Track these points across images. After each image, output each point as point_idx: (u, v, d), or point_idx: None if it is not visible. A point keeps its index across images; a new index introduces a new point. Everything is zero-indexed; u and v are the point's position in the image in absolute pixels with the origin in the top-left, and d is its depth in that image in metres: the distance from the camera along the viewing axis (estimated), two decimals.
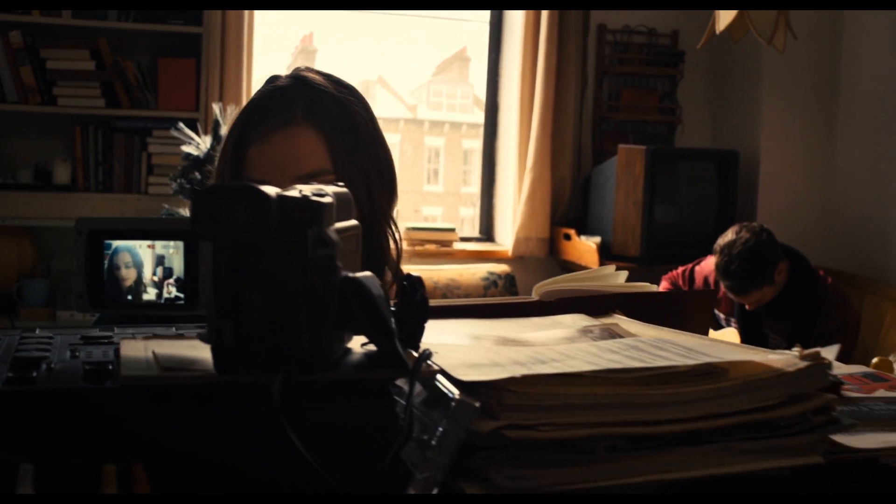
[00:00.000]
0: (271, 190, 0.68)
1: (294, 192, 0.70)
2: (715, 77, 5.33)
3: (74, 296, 0.82)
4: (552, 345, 0.93)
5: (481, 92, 5.49)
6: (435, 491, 0.73)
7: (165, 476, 0.68)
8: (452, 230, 5.14)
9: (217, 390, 0.70)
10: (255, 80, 4.51)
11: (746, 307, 3.80)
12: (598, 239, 4.76)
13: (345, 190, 0.83)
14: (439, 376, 0.79)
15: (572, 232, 4.90)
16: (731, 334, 3.85)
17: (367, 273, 0.75)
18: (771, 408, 0.81)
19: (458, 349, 0.86)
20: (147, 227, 0.82)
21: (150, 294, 0.82)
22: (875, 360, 1.58)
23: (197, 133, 3.79)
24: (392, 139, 14.47)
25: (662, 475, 0.77)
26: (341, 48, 14.48)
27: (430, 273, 4.75)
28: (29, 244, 4.11)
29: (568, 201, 5.09)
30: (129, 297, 0.82)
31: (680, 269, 4.22)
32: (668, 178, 4.79)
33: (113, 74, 4.08)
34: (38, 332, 0.85)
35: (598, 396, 0.76)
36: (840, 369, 1.20)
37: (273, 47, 12.59)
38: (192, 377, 0.70)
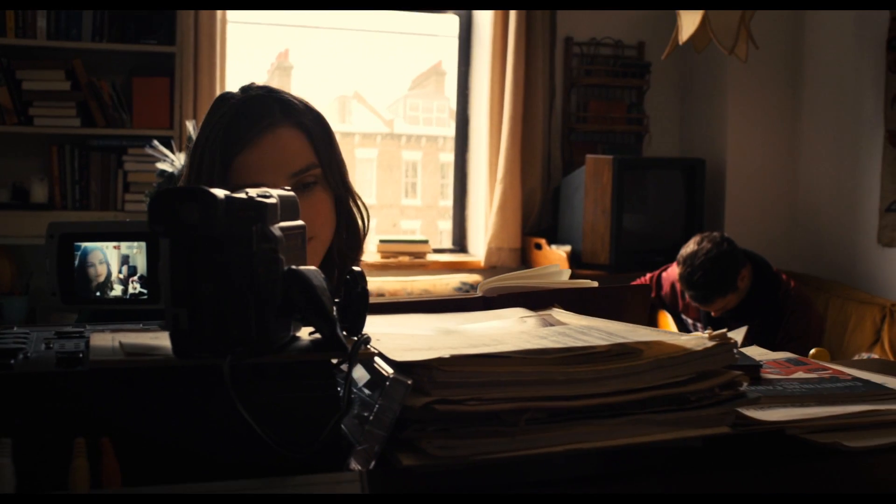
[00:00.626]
0: (219, 192, 0.76)
1: (241, 194, 0.78)
2: (681, 87, 5.45)
3: (48, 293, 0.90)
4: (487, 333, 1.02)
5: None
6: (373, 461, 0.81)
7: (130, 449, 0.76)
8: (425, 242, 5.22)
9: (175, 372, 0.78)
10: None
11: (712, 314, 3.90)
12: (568, 248, 4.85)
13: (291, 193, 0.92)
14: (378, 360, 0.88)
15: (543, 241, 5.00)
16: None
17: (311, 267, 0.83)
18: (681, 383, 0.90)
19: (399, 337, 0.95)
20: (113, 230, 0.90)
21: (117, 290, 0.90)
22: (813, 350, 1.68)
23: (171, 150, 3.86)
24: (369, 154, 14.58)
25: (580, 444, 0.86)
26: (317, 65, 14.57)
27: (404, 284, 4.84)
28: (7, 262, 4.17)
29: (538, 211, 5.19)
30: (98, 294, 0.90)
31: (647, 276, 4.32)
32: (636, 186, 4.89)
33: (88, 94, 4.15)
34: (15, 329, 0.93)
35: (520, 374, 0.85)
36: (768, 355, 1.29)
37: (248, 64, 12.68)
38: (153, 361, 0.78)
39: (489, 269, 5.11)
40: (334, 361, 0.85)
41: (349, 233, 1.70)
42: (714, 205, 5.14)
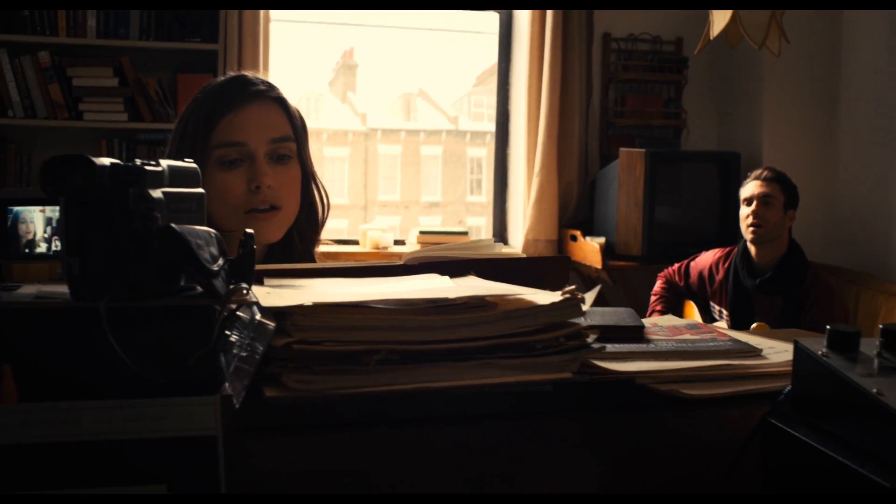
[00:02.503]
0: (102, 160, 0.90)
1: (127, 162, 0.92)
2: (719, 82, 5.49)
3: None
4: (378, 290, 1.14)
5: None
6: (243, 392, 0.94)
7: (31, 376, 0.90)
8: (465, 233, 5.35)
9: (69, 311, 0.92)
10: None
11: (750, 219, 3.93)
12: (601, 239, 4.93)
13: (193, 166, 1.05)
14: (256, 309, 1.01)
15: (578, 233, 5.08)
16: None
17: (198, 227, 0.97)
18: (528, 333, 1.01)
19: (285, 291, 1.08)
20: (39, 196, 1.04)
21: (42, 247, 1.05)
22: (754, 325, 1.76)
23: None
24: (434, 151, 14.73)
25: (428, 384, 0.98)
26: (382, 62, 14.78)
27: None
28: None
29: (576, 204, 5.27)
30: (27, 250, 1.04)
31: (675, 266, 4.38)
32: (670, 179, 4.95)
33: (135, 90, 4.36)
34: None
35: (372, 320, 0.97)
36: (673, 321, 1.39)
37: (315, 63, 12.96)
38: (52, 302, 0.92)
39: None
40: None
41: (309, 215, 1.87)
42: None
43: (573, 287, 1.05)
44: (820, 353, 0.96)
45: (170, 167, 0.97)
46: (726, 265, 4.11)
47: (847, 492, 0.85)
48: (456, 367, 0.99)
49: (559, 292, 1.06)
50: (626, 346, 1.16)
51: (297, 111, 1.87)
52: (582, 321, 1.04)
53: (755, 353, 1.16)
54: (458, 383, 0.98)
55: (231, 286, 0.98)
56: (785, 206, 3.93)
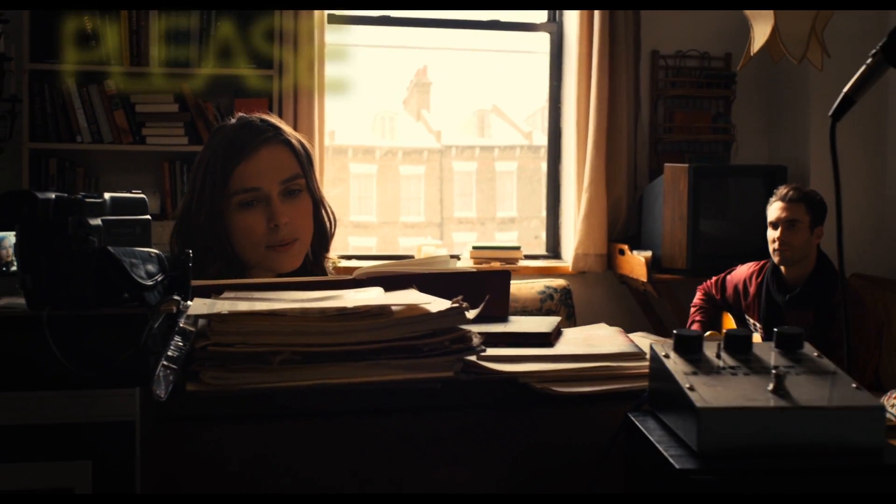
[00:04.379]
0: (45, 194, 1.09)
1: (69, 195, 1.11)
2: (767, 96, 5.54)
3: None
4: (303, 300, 1.31)
5: None
6: (170, 387, 1.12)
7: None
8: (518, 248, 5.49)
9: (23, 319, 1.11)
10: (327, 116, 5.00)
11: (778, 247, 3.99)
12: (648, 253, 5.03)
13: (141, 196, 1.24)
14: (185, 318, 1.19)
15: (626, 247, 5.19)
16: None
17: (139, 248, 1.16)
18: (418, 337, 1.18)
19: (219, 302, 1.26)
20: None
21: (15, 267, 1.24)
22: (707, 332, 1.89)
23: None
24: (509, 167, 14.88)
25: (326, 380, 1.14)
26: (455, 80, 15.01)
27: None
28: None
29: (625, 218, 5.38)
30: (3, 269, 1.25)
31: (713, 279, 4.47)
32: (716, 193, 5.03)
33: (195, 115, 4.63)
34: None
35: (278, 325, 1.14)
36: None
37: (389, 82, 13.26)
38: (10, 311, 1.12)
39: (577, 275, 5.34)
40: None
41: (321, 236, 2.07)
42: None
43: (461, 297, 1.21)
44: (663, 354, 1.10)
45: (112, 198, 1.16)
46: (759, 280, 4.18)
47: (662, 476, 0.99)
48: (351, 366, 1.15)
49: (452, 301, 1.21)
50: (527, 350, 1.31)
51: (302, 144, 2.07)
52: (468, 327, 1.20)
53: (639, 356, 1.29)
54: (351, 380, 1.15)
55: (163, 298, 1.16)
56: (811, 226, 3.97)
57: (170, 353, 1.15)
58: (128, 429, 1.04)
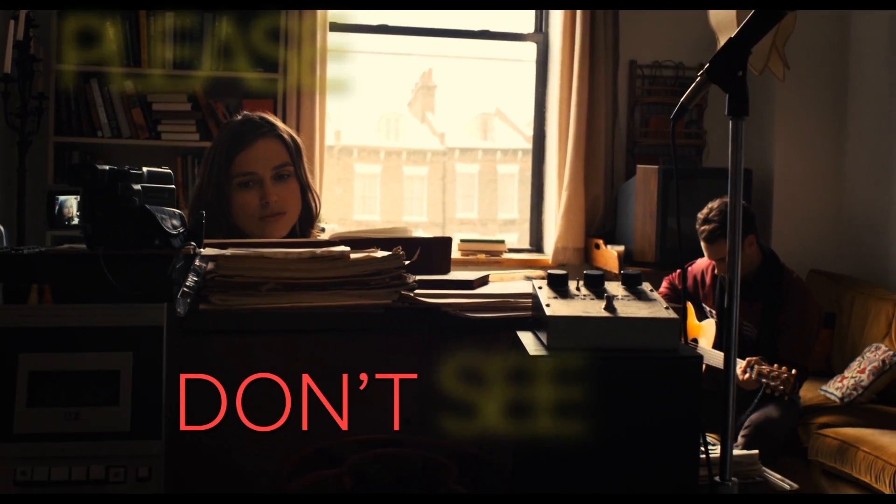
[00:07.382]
0: (105, 166, 1.54)
1: (119, 167, 1.57)
2: None
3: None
4: (286, 250, 1.76)
5: None
6: (187, 306, 1.57)
7: (62, 292, 1.55)
8: (502, 242, 5.94)
9: (84, 256, 1.56)
10: (328, 116, 5.46)
11: (716, 273, 4.44)
12: (621, 248, 5.47)
13: (168, 171, 1.70)
14: (199, 258, 1.64)
15: (601, 242, 5.63)
16: (710, 325, 4.54)
17: (167, 208, 1.61)
18: (368, 275, 1.62)
19: (229, 249, 1.70)
20: (71, 189, 1.69)
21: (76, 221, 1.70)
22: None
23: None
24: (511, 169, 15.33)
25: (299, 304, 1.59)
26: (459, 83, 15.46)
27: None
28: None
29: (602, 215, 5.82)
30: (66, 223, 1.70)
31: (678, 271, 4.90)
32: (685, 193, 5.46)
33: (206, 114, 5.09)
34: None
35: (266, 264, 1.59)
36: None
37: (394, 84, 13.69)
38: (73, 250, 1.57)
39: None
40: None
41: (307, 214, 2.52)
42: (762, 211, 5.64)
43: (398, 248, 1.66)
44: (538, 286, 1.54)
45: (148, 171, 1.61)
46: (714, 272, 4.60)
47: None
48: (318, 294, 1.60)
49: (394, 249, 1.66)
50: (457, 290, 1.75)
51: (292, 138, 2.53)
52: (403, 268, 1.64)
53: (532, 295, 1.73)
54: (318, 304, 1.59)
55: (184, 244, 1.62)
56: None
57: (188, 283, 1.60)
58: (158, 332, 1.49)
